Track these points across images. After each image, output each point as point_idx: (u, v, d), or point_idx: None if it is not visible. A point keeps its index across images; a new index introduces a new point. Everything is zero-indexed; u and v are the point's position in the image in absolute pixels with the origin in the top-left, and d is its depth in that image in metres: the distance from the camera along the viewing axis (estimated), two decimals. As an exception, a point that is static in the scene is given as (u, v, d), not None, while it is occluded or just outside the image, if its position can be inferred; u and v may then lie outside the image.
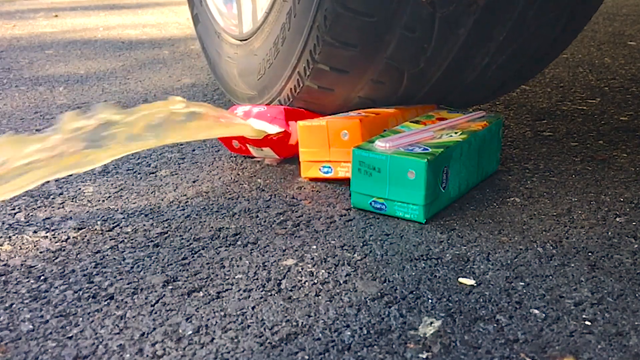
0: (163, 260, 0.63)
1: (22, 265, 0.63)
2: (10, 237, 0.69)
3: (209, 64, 1.20)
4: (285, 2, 0.82)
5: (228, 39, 1.06)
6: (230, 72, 1.06)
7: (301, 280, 0.59)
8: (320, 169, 0.81)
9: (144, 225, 0.71)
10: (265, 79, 0.92)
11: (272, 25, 0.88)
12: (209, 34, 1.16)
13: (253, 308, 0.55)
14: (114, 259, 0.64)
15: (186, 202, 0.77)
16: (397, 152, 0.70)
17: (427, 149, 0.71)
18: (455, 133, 0.76)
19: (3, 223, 0.72)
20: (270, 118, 0.86)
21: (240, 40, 1.01)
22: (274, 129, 0.85)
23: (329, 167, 0.81)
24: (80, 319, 0.54)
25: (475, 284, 0.59)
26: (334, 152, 0.79)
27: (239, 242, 0.67)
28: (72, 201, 0.78)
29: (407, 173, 0.68)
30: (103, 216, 0.74)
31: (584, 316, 0.54)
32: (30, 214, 0.75)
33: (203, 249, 0.66)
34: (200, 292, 0.57)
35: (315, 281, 0.59)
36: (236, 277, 0.60)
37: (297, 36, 0.80)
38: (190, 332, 0.51)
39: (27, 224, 0.72)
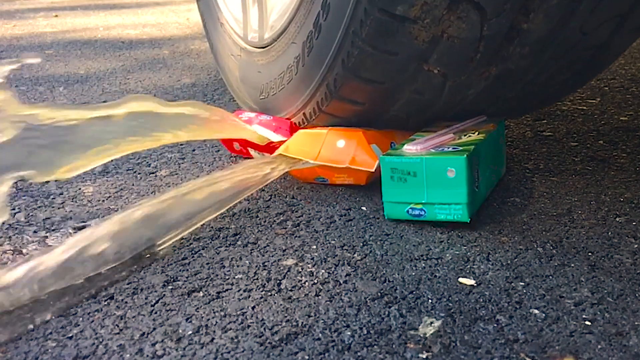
0: (163, 260, 0.63)
1: (22, 265, 0.62)
2: (10, 237, 0.69)
3: (211, 48, 1.17)
4: (294, 44, 0.81)
5: (231, 32, 1.04)
6: (232, 67, 1.05)
7: (301, 280, 0.59)
8: (315, 179, 0.81)
9: (144, 225, 0.71)
10: (267, 103, 0.91)
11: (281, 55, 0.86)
12: (213, 19, 1.13)
13: (253, 308, 0.55)
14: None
15: (186, 202, 0.77)
16: (431, 153, 0.68)
17: (458, 148, 0.69)
18: (473, 133, 0.75)
19: (3, 223, 0.72)
20: (275, 127, 0.86)
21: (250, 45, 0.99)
22: (277, 138, 0.85)
23: (324, 179, 0.81)
24: (80, 319, 0.54)
25: (475, 284, 0.59)
26: (322, 155, 0.78)
27: (239, 242, 0.67)
28: (72, 201, 0.78)
29: (447, 172, 0.66)
30: (103, 216, 0.74)
31: (584, 316, 0.54)
32: (30, 214, 0.75)
33: (203, 249, 0.66)
34: (200, 292, 0.57)
35: (315, 281, 0.59)
36: (236, 277, 0.60)
37: (305, 83, 0.79)
38: (190, 332, 0.51)
39: (27, 224, 0.72)
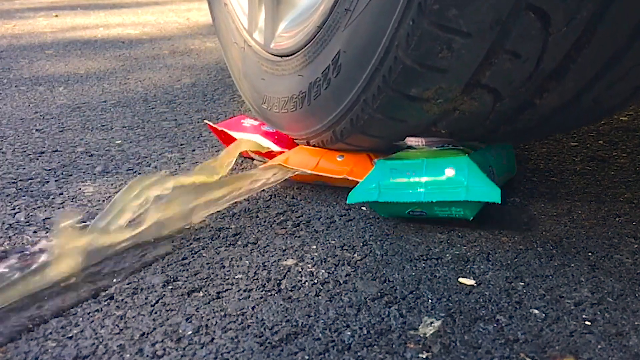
0: (163, 260, 0.63)
1: (22, 265, 0.63)
2: (10, 237, 0.69)
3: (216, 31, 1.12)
4: (300, 77, 0.77)
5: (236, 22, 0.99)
6: (235, 56, 1.01)
7: (301, 280, 0.59)
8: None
9: (144, 225, 0.71)
10: (269, 115, 0.89)
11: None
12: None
13: (253, 308, 0.55)
14: (114, 259, 0.63)
15: (186, 202, 0.77)
16: (432, 151, 0.68)
17: (459, 146, 0.69)
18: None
19: (3, 223, 0.72)
20: (276, 140, 0.86)
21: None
22: (278, 149, 0.85)
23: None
24: (80, 319, 0.54)
25: (475, 284, 0.59)
26: (321, 165, 0.78)
27: (239, 242, 0.67)
28: (72, 201, 0.78)
29: (446, 170, 0.66)
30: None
31: (584, 316, 0.54)
32: (30, 214, 0.75)
33: (203, 249, 0.66)
34: (200, 292, 0.57)
35: (315, 281, 0.59)
36: (236, 277, 0.60)
37: (310, 122, 0.78)
38: (190, 332, 0.51)
39: (27, 224, 0.72)
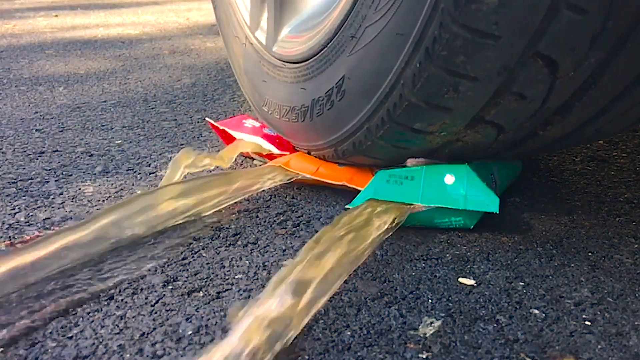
0: (163, 260, 0.63)
1: (22, 265, 0.62)
2: (10, 237, 0.69)
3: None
4: (303, 90, 0.75)
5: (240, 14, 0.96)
6: (236, 50, 0.99)
7: (301, 280, 0.59)
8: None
9: (144, 225, 0.71)
10: (269, 119, 0.88)
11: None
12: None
13: (253, 308, 0.55)
14: (114, 259, 0.63)
15: (186, 202, 0.77)
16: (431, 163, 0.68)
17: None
18: None
19: (3, 223, 0.72)
20: (277, 144, 0.86)
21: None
22: (278, 152, 0.85)
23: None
24: (80, 319, 0.54)
25: (475, 284, 0.59)
26: (321, 171, 0.78)
27: (239, 242, 0.67)
28: (72, 201, 0.78)
29: (445, 178, 0.66)
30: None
31: (584, 316, 0.54)
32: (30, 214, 0.75)
33: (203, 249, 0.66)
34: (200, 292, 0.57)
35: (315, 281, 0.59)
36: (236, 277, 0.60)
37: (311, 136, 0.77)
38: (190, 332, 0.51)
39: (27, 224, 0.72)
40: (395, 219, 0.64)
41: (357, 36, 0.63)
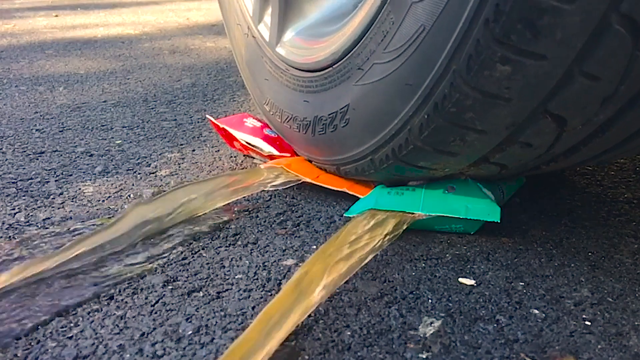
0: (163, 260, 0.63)
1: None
2: (10, 237, 0.69)
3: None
4: (306, 102, 0.74)
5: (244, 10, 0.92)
6: (238, 39, 0.95)
7: (301, 280, 0.59)
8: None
9: (144, 225, 0.71)
10: (270, 117, 0.87)
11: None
12: None
13: (253, 308, 0.55)
14: (114, 259, 0.63)
15: (186, 202, 0.77)
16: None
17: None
18: None
19: (3, 223, 0.72)
20: (278, 146, 0.86)
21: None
22: (279, 154, 0.85)
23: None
24: (80, 319, 0.54)
25: (475, 284, 0.59)
26: (322, 177, 0.78)
27: (239, 242, 0.67)
28: (72, 201, 0.78)
29: (446, 187, 0.66)
30: (103, 216, 0.74)
31: (584, 316, 0.54)
32: (30, 214, 0.75)
33: (203, 249, 0.66)
34: (200, 292, 0.57)
35: (315, 281, 0.59)
36: (236, 277, 0.60)
37: (311, 149, 0.77)
38: (190, 332, 0.51)
39: (27, 224, 0.72)
40: (395, 228, 0.64)
41: (365, 69, 0.62)
